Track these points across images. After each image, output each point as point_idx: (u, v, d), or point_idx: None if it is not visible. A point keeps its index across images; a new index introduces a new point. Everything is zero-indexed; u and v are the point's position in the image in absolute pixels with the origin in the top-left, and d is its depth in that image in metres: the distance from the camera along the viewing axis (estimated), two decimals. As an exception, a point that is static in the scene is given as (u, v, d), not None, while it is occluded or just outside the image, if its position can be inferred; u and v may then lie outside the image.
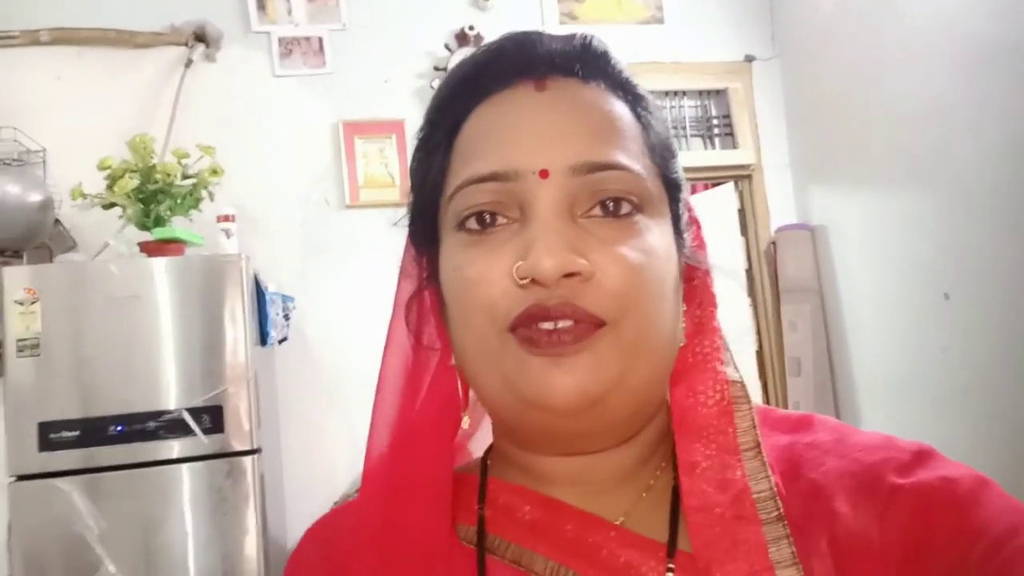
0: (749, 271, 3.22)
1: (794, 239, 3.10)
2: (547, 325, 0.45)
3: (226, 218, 2.28)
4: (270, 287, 2.34)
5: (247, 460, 2.06)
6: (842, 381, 2.97)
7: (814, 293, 3.04)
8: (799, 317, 3.03)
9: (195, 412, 2.01)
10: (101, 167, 2.21)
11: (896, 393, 2.69)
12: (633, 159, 0.48)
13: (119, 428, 1.95)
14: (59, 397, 1.95)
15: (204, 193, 2.40)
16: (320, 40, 2.91)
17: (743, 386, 0.52)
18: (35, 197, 2.32)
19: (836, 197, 3.07)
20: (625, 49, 2.99)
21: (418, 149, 0.53)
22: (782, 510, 0.46)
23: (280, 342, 2.58)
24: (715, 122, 3.31)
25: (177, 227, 2.26)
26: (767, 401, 3.12)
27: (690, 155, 3.20)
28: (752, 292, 3.20)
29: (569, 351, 0.45)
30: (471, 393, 0.54)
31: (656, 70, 3.16)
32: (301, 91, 2.89)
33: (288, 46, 2.89)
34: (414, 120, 2.94)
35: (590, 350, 0.45)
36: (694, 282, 0.54)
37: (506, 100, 0.49)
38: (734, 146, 3.28)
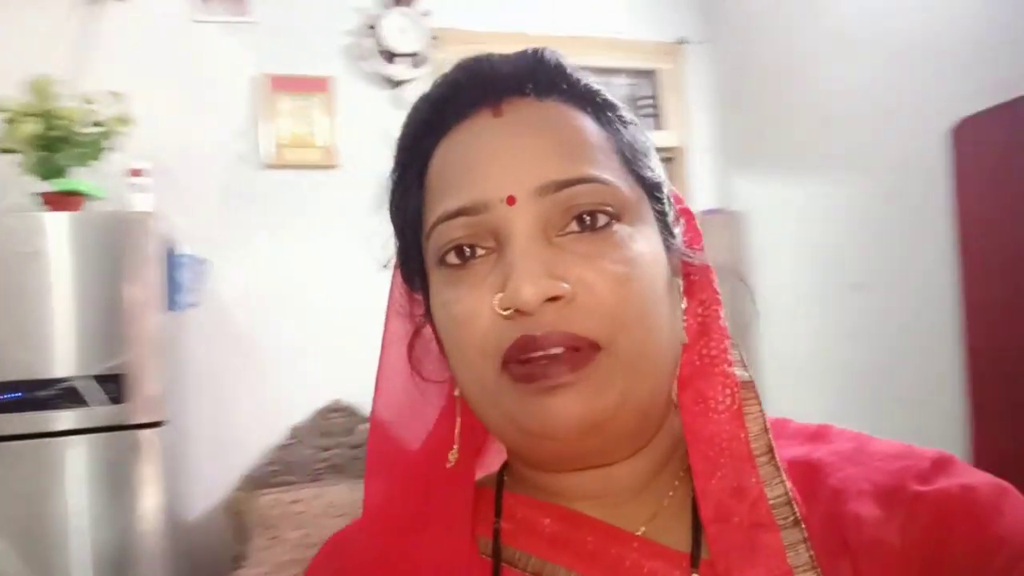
0: (670, 253, 3.24)
1: (716, 223, 3.15)
2: (538, 354, 0.45)
3: (137, 172, 2.12)
4: (182, 248, 2.21)
5: (151, 433, 1.95)
6: (756, 367, 3.05)
7: (733, 277, 3.10)
8: (717, 301, 3.09)
9: (95, 381, 1.87)
10: (-4, 108, 2.02)
11: (803, 376, 2.80)
12: (601, 169, 0.48)
13: (11, 396, 1.80)
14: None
15: (110, 143, 2.24)
16: (244, -15, 2.73)
17: (754, 386, 0.51)
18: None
19: (760, 184, 3.13)
20: (558, 21, 2.94)
21: (393, 191, 0.54)
22: (799, 514, 0.46)
23: (189, 308, 2.45)
24: (643, 102, 3.31)
25: (79, 180, 2.09)
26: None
27: (620, 134, 3.19)
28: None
29: (564, 381, 0.45)
30: (458, 426, 0.55)
31: (589, 45, 3.12)
32: (222, 39, 2.72)
33: (208, -11, 2.70)
34: (343, 79, 2.82)
35: (588, 379, 0.45)
36: (693, 277, 0.53)
37: (465, 132, 0.50)
38: (660, 128, 3.29)
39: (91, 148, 2.10)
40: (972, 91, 2.11)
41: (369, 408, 2.21)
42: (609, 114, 0.51)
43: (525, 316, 0.44)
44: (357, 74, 2.86)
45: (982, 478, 0.46)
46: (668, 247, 0.51)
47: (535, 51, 0.51)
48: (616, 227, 0.47)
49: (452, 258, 0.48)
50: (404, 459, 0.56)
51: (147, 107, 2.45)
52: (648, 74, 3.32)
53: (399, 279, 0.57)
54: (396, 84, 2.88)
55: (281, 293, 2.71)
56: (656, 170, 0.52)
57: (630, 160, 0.50)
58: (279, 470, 2.62)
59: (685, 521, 0.49)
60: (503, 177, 0.47)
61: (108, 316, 1.93)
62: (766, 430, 0.50)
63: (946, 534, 0.44)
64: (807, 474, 0.49)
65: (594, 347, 0.45)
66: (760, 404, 0.51)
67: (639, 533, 0.49)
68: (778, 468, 0.48)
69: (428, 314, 0.53)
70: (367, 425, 2.25)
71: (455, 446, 0.54)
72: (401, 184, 0.53)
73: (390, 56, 2.85)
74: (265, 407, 2.67)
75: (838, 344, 2.68)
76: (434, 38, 2.91)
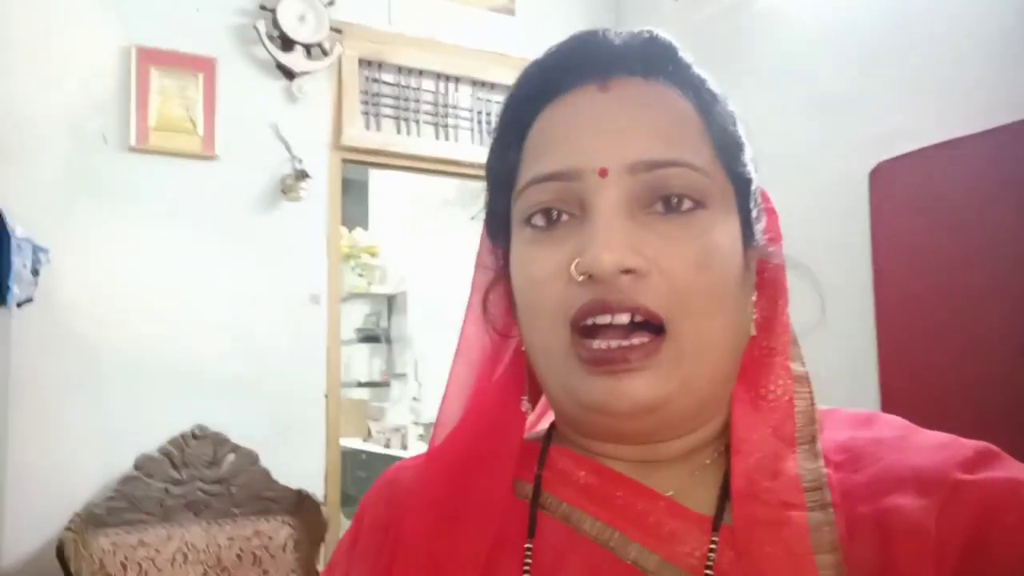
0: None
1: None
2: (604, 319, 0.46)
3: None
4: (18, 230, 1.81)
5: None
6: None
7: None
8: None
9: None
10: None
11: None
12: (694, 155, 0.49)
13: None
14: None
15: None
16: (118, -56, 2.38)
17: (808, 380, 0.52)
18: None
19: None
20: (473, 36, 2.77)
21: (492, 148, 0.56)
22: (829, 499, 0.46)
23: (20, 304, 2.02)
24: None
25: None
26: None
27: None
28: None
29: (632, 368, 0.46)
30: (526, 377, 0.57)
31: (504, 63, 2.98)
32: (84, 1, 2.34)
33: (74, -59, 2.33)
34: (229, 61, 2.51)
35: (653, 367, 0.46)
36: (765, 274, 0.54)
37: (570, 102, 0.51)
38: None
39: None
40: (886, 135, 2.13)
41: (238, 435, 1.86)
42: (711, 104, 0.52)
43: (598, 283, 0.46)
44: (246, 58, 2.55)
45: None
46: (747, 242, 0.52)
47: (649, 32, 0.52)
48: (699, 213, 0.48)
49: (538, 220, 0.50)
50: (470, 405, 0.58)
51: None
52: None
53: (484, 233, 0.59)
54: (290, 75, 2.59)
55: (134, 296, 2.31)
56: (748, 166, 0.53)
57: (723, 151, 0.51)
58: (122, 507, 2.19)
59: (714, 490, 0.50)
60: (598, 149, 0.48)
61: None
62: (814, 421, 0.51)
63: (992, 525, 0.43)
64: (849, 458, 0.49)
65: (659, 331, 0.46)
66: (812, 399, 0.52)
67: (668, 495, 0.51)
68: (818, 454, 0.49)
69: (506, 270, 0.55)
70: (235, 456, 1.91)
71: (525, 396, 0.56)
72: (501, 141, 0.54)
73: (285, 43, 2.57)
74: (107, 430, 2.24)
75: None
76: (336, 31, 2.66)
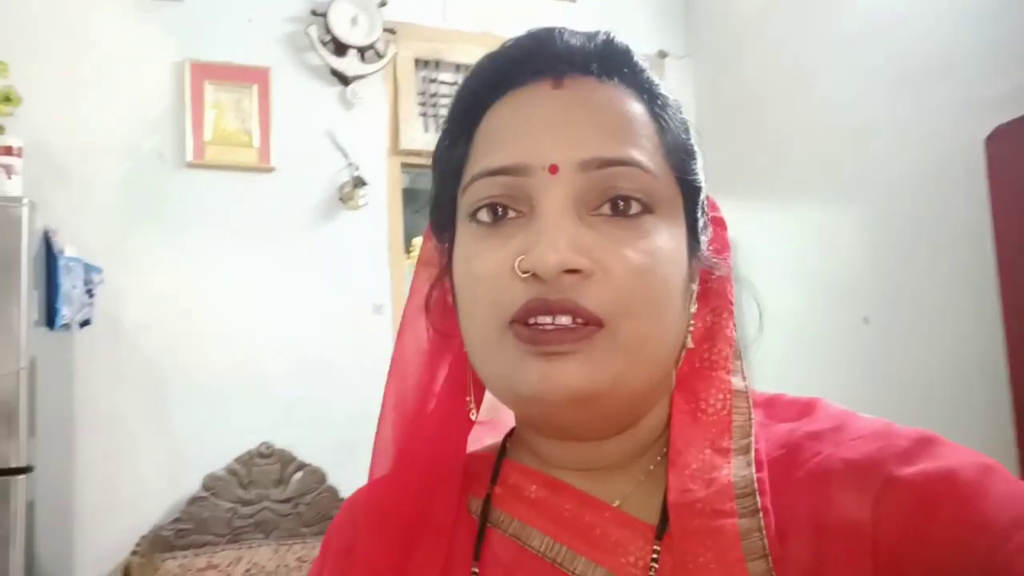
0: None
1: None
2: (545, 319, 0.46)
3: (8, 150, 1.69)
4: (68, 250, 1.78)
5: (12, 481, 1.50)
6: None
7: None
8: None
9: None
10: None
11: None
12: (645, 157, 0.49)
13: None
14: None
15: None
16: (170, -40, 2.36)
17: (747, 396, 0.52)
18: None
19: (748, 211, 2.85)
20: (529, 25, 2.66)
21: (440, 140, 0.55)
22: (759, 503, 0.46)
23: (82, 325, 2.01)
24: (622, 118, 3.03)
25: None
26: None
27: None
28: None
29: (565, 349, 0.46)
30: (469, 378, 0.56)
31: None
32: (138, 17, 2.33)
33: (127, -39, 2.32)
34: (282, 70, 2.46)
35: (586, 352, 0.46)
36: (710, 284, 0.54)
37: (523, 97, 0.51)
38: (641, 146, 3.00)
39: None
40: (1003, 98, 1.87)
41: (306, 453, 1.75)
42: (662, 110, 0.51)
43: (541, 282, 0.46)
44: (299, 66, 2.50)
45: (966, 458, 0.45)
46: (692, 251, 0.52)
47: (606, 33, 0.52)
48: (646, 218, 0.48)
49: (484, 215, 0.49)
50: (412, 413, 0.58)
51: (41, 82, 2.06)
52: (624, 88, 3.05)
53: (428, 229, 0.57)
54: (344, 80, 2.52)
55: (196, 314, 2.28)
56: (698, 175, 0.53)
57: (674, 157, 0.51)
58: (189, 528, 2.16)
59: (658, 498, 0.50)
60: (549, 146, 0.48)
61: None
62: (749, 435, 0.50)
63: (927, 519, 0.43)
64: (786, 454, 0.49)
65: (597, 324, 0.46)
66: (750, 415, 0.51)
67: (615, 505, 0.51)
68: (750, 462, 0.49)
69: (450, 266, 0.54)
70: (302, 474, 1.82)
71: (470, 397, 0.56)
72: (450, 133, 0.54)
73: (339, 48, 2.50)
74: (174, 450, 2.22)
75: (850, 385, 2.37)
76: (389, 31, 2.58)
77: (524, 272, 0.46)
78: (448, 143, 0.54)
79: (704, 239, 0.54)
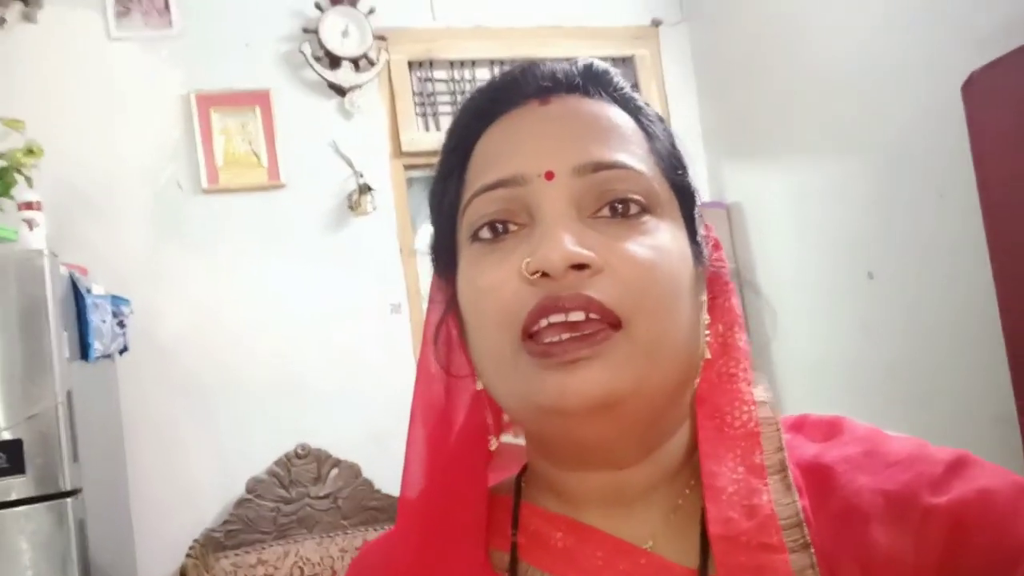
0: (662, 253, 2.98)
1: (707, 217, 2.86)
2: (558, 317, 0.45)
3: (29, 206, 1.85)
4: (98, 287, 1.94)
5: (61, 505, 1.67)
6: (760, 362, 2.77)
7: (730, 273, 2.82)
8: (716, 301, 2.81)
9: (-13, 448, 1.61)
10: None
11: (817, 374, 2.51)
12: (637, 160, 0.49)
13: None
14: None
15: (19, 177, 1.99)
16: (165, -3, 2.48)
17: (771, 407, 0.52)
18: None
19: (753, 172, 2.86)
20: (521, 11, 2.65)
21: (435, 179, 0.56)
22: (808, 537, 0.45)
23: (121, 353, 2.18)
24: (622, 92, 3.04)
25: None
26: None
27: (596, 128, 2.95)
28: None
29: (583, 355, 0.45)
30: (489, 416, 0.55)
31: (558, 34, 2.87)
32: (144, 56, 2.47)
33: (126, 4, 2.45)
34: (282, 90, 2.57)
35: (604, 356, 0.45)
36: (717, 301, 0.54)
37: (512, 119, 0.52)
38: (643, 118, 3.01)
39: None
40: (981, 39, 1.84)
41: (340, 450, 1.87)
42: (649, 123, 0.53)
43: (550, 281, 0.45)
44: (298, 84, 2.61)
45: (1001, 480, 0.44)
46: (695, 257, 0.51)
47: (586, 59, 0.54)
48: (647, 217, 0.48)
49: (485, 233, 0.49)
50: (432, 462, 0.56)
51: (64, 133, 2.21)
52: (625, 61, 3.06)
53: (433, 271, 0.57)
54: (341, 91, 2.62)
55: (227, 329, 2.44)
56: (690, 182, 0.53)
57: (666, 164, 0.52)
58: (238, 529, 2.33)
59: (694, 535, 0.49)
60: (543, 154, 0.48)
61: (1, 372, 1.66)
62: (781, 449, 0.49)
63: (963, 546, 0.42)
64: (819, 480, 0.48)
65: (614, 324, 0.45)
66: (778, 426, 0.51)
67: (647, 546, 0.49)
68: (791, 487, 0.47)
69: (455, 299, 0.53)
70: (338, 470, 1.95)
71: (492, 436, 0.55)
72: (444, 169, 0.54)
73: (333, 61, 2.60)
74: (218, 458, 2.39)
75: (853, 338, 2.38)
76: (380, 38, 2.66)
77: (532, 273, 0.45)
78: (442, 179, 0.55)
79: (706, 247, 0.54)
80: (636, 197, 0.48)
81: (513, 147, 0.50)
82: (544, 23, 2.89)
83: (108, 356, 2.01)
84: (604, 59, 2.51)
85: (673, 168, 0.52)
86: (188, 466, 2.36)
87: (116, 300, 2.03)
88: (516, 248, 0.48)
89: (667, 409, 0.50)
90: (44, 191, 2.01)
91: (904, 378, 2.20)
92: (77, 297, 1.84)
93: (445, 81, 2.80)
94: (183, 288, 2.41)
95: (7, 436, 1.63)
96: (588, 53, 2.38)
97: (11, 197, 1.98)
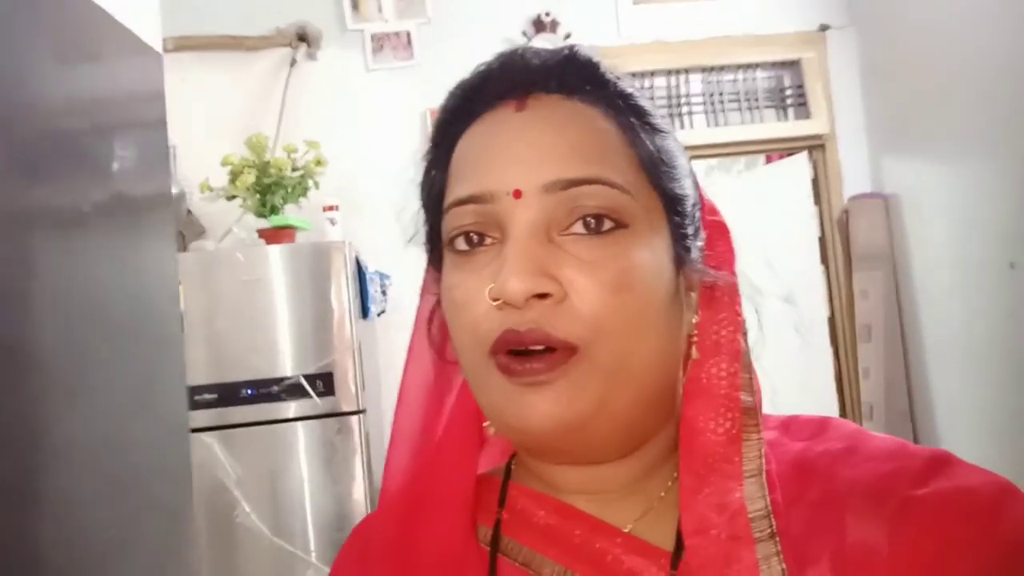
0: (822, 239, 3.30)
1: (867, 208, 3.16)
2: (519, 348, 0.47)
3: (331, 208, 2.58)
4: (370, 266, 2.64)
5: (354, 419, 2.37)
6: (912, 347, 3.04)
7: (886, 261, 3.11)
8: (871, 284, 3.11)
9: (310, 378, 2.33)
10: (224, 163, 2.54)
11: (966, 360, 2.74)
12: (613, 172, 0.49)
13: (249, 391, 2.30)
14: (200, 365, 2.31)
15: (310, 183, 2.72)
16: (408, 34, 3.15)
17: (756, 413, 0.52)
18: (172, 190, 2.68)
19: (911, 165, 3.09)
20: (696, 24, 3.09)
21: (424, 168, 0.58)
22: (775, 528, 0.47)
23: (379, 314, 2.89)
24: (788, 93, 3.38)
25: (289, 215, 2.58)
26: (838, 366, 3.23)
27: (763, 127, 3.32)
28: (824, 260, 3.29)
29: (541, 380, 0.46)
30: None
31: (729, 43, 3.25)
32: (392, 83, 3.15)
33: (380, 41, 3.14)
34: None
35: (565, 378, 0.46)
36: (718, 294, 0.53)
37: (489, 122, 0.52)
38: (807, 116, 3.34)
39: (296, 189, 2.58)
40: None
41: None
42: (635, 120, 0.51)
43: (512, 309, 0.46)
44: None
45: (982, 478, 0.45)
46: (681, 261, 0.51)
47: (569, 48, 0.53)
48: (620, 233, 0.48)
49: (461, 243, 0.50)
50: (420, 442, 0.59)
51: (336, 148, 2.93)
52: (792, 64, 3.38)
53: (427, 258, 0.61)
54: (544, 104, 3.16)
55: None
56: (680, 182, 0.52)
57: (650, 168, 0.51)
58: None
59: (672, 522, 0.50)
60: (513, 171, 0.48)
61: (317, 326, 2.39)
62: (760, 455, 0.50)
63: (944, 540, 0.43)
64: (799, 473, 0.50)
65: (571, 350, 0.46)
66: (760, 432, 0.51)
67: (627, 530, 0.51)
68: (763, 485, 0.49)
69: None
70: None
71: (487, 423, 0.54)
72: (430, 162, 0.56)
73: (537, 80, 3.14)
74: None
75: (998, 325, 2.59)
76: (576, 58, 3.16)
77: (494, 300, 0.46)
78: (428, 172, 0.56)
79: (696, 246, 0.53)
80: (608, 213, 0.47)
81: (488, 158, 0.50)
82: (716, 34, 3.27)
83: (380, 314, 2.72)
84: (771, 64, 2.99)
85: (658, 171, 0.51)
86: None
87: (381, 275, 2.73)
88: (488, 264, 0.48)
89: (645, 417, 0.50)
90: (324, 194, 2.73)
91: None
92: (359, 272, 2.54)
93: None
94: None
95: (323, 370, 2.35)
96: (756, 60, 2.82)
97: (307, 198, 2.72)
